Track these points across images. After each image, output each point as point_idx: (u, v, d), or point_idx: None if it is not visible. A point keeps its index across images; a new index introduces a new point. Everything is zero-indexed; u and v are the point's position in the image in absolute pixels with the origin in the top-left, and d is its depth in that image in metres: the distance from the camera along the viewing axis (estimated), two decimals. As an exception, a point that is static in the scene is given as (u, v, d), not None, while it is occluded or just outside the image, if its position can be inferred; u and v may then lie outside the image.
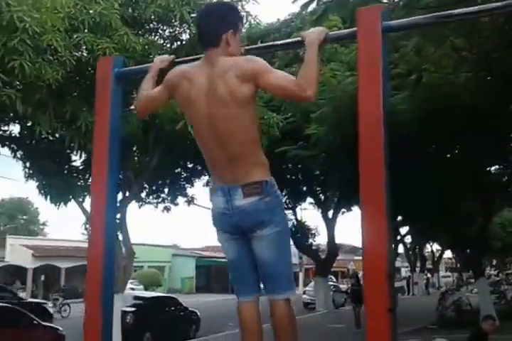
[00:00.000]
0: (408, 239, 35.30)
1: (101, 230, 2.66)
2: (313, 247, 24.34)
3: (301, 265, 45.40)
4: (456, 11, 2.20)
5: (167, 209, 18.16)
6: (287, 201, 21.34)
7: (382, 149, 2.17)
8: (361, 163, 2.20)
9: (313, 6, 8.00)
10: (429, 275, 41.14)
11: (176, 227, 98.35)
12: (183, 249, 49.69)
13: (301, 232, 22.16)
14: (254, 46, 2.80)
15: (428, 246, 40.26)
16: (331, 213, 21.98)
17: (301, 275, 46.49)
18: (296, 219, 22.05)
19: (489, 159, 14.82)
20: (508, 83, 9.23)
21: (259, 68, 2.36)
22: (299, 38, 2.45)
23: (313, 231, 23.56)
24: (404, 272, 50.81)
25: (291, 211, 22.12)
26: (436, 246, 41.90)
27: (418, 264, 38.73)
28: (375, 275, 2.16)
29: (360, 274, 34.50)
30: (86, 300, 2.65)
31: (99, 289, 2.59)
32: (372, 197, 2.19)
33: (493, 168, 17.14)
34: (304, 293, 26.58)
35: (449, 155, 13.73)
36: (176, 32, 11.72)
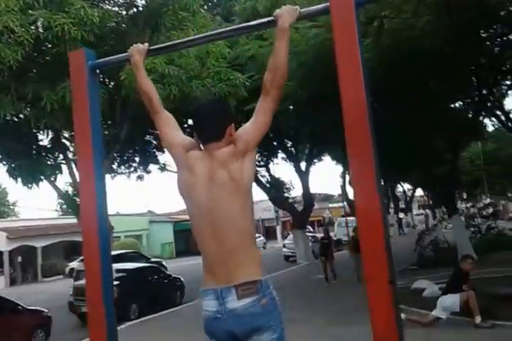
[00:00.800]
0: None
1: (92, 202, 2.66)
2: (290, 200, 24.67)
3: (277, 218, 46.15)
4: None
5: (140, 177, 18.17)
6: (260, 158, 21.49)
7: (366, 113, 2.25)
8: (346, 119, 2.24)
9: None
10: (402, 215, 42.24)
11: (150, 195, 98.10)
12: (159, 215, 49.73)
13: (276, 187, 22.38)
14: (228, 28, 2.78)
15: (399, 186, 41.15)
16: (303, 165, 22.21)
17: (278, 229, 47.36)
18: (270, 174, 22.21)
19: (454, 98, 15.12)
20: (467, 26, 9.32)
21: (242, 138, 2.40)
22: (272, 18, 2.44)
23: (287, 185, 23.79)
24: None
25: (264, 168, 22.30)
26: (407, 186, 42.95)
27: (392, 205, 39.69)
28: (373, 249, 2.15)
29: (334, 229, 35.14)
30: (86, 274, 2.67)
31: (98, 262, 2.62)
32: (360, 155, 2.22)
33: (457, 105, 17.50)
34: (284, 246, 27.01)
35: (414, 98, 13.93)
36: None
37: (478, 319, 7.58)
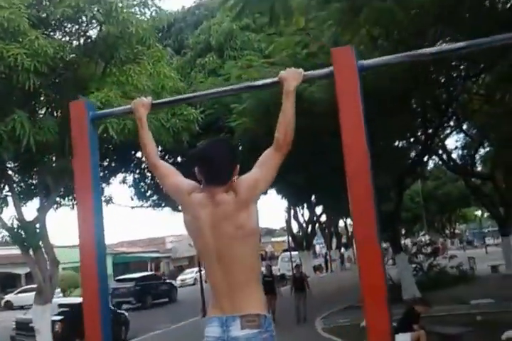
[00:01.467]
0: (323, 218, 36.53)
1: (91, 237, 2.76)
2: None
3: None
4: (427, 50, 2.44)
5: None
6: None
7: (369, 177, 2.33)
8: (348, 175, 2.36)
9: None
10: (343, 250, 42.63)
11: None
12: (98, 247, 48.33)
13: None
14: (231, 87, 2.87)
15: (342, 221, 41.71)
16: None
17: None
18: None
19: (398, 137, 15.59)
20: (419, 69, 9.69)
21: (251, 185, 2.45)
22: (277, 79, 2.54)
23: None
24: (319, 248, 52.44)
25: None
26: (349, 221, 43.49)
27: (334, 241, 40.12)
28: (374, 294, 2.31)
29: (277, 267, 35.10)
30: (85, 310, 2.80)
31: (97, 298, 2.74)
32: (362, 201, 2.38)
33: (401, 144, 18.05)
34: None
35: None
36: (83, 29, 11.30)
37: (429, 359, 7.66)
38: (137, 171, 19.45)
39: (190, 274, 40.78)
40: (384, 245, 34.22)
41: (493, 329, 9.20)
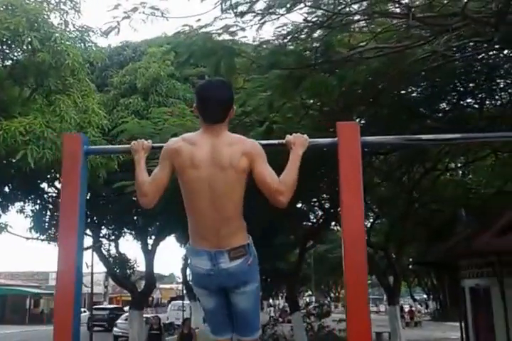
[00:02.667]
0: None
1: (71, 274, 2.72)
2: (132, 279, 23.68)
3: (105, 294, 43.90)
4: (423, 136, 2.71)
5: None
6: (109, 232, 20.76)
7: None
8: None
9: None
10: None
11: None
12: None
13: (120, 263, 21.52)
14: None
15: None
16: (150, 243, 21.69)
17: (105, 305, 44.83)
18: (118, 251, 21.43)
19: (303, 199, 16.07)
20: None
21: (259, 154, 2.64)
22: (283, 141, 2.79)
23: (132, 263, 22.94)
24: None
25: (113, 242, 21.49)
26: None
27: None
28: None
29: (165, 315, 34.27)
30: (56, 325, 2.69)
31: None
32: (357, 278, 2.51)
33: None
34: (116, 325, 25.63)
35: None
36: (14, 53, 11.02)
37: None
38: (38, 202, 18.62)
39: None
40: (282, 303, 34.25)
41: None
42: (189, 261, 2.83)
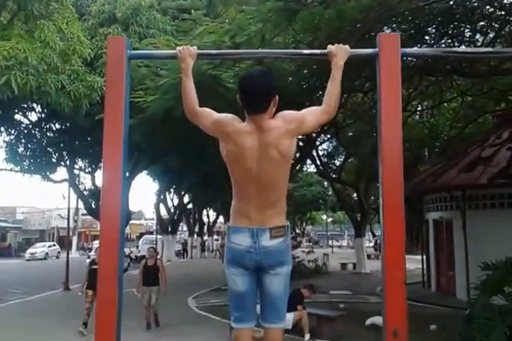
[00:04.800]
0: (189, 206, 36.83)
1: (116, 209, 2.63)
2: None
3: (75, 228, 44.19)
4: (459, 49, 2.85)
5: None
6: (85, 164, 20.83)
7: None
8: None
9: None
10: (205, 238, 43.23)
11: None
12: None
13: (96, 197, 21.72)
14: (282, 51, 3.04)
15: (205, 211, 42.24)
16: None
17: (74, 239, 45.24)
18: (94, 184, 21.53)
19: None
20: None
21: (294, 119, 2.73)
22: (325, 51, 2.78)
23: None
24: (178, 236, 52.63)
25: (89, 175, 21.57)
26: (212, 212, 44.32)
27: (197, 229, 40.52)
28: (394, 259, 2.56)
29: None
30: (100, 281, 2.63)
31: (115, 272, 2.63)
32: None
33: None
34: (89, 257, 26.01)
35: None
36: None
37: (307, 337, 8.38)
38: (13, 132, 18.43)
39: (41, 248, 39.17)
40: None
41: (356, 316, 10.23)
42: (227, 240, 2.86)
